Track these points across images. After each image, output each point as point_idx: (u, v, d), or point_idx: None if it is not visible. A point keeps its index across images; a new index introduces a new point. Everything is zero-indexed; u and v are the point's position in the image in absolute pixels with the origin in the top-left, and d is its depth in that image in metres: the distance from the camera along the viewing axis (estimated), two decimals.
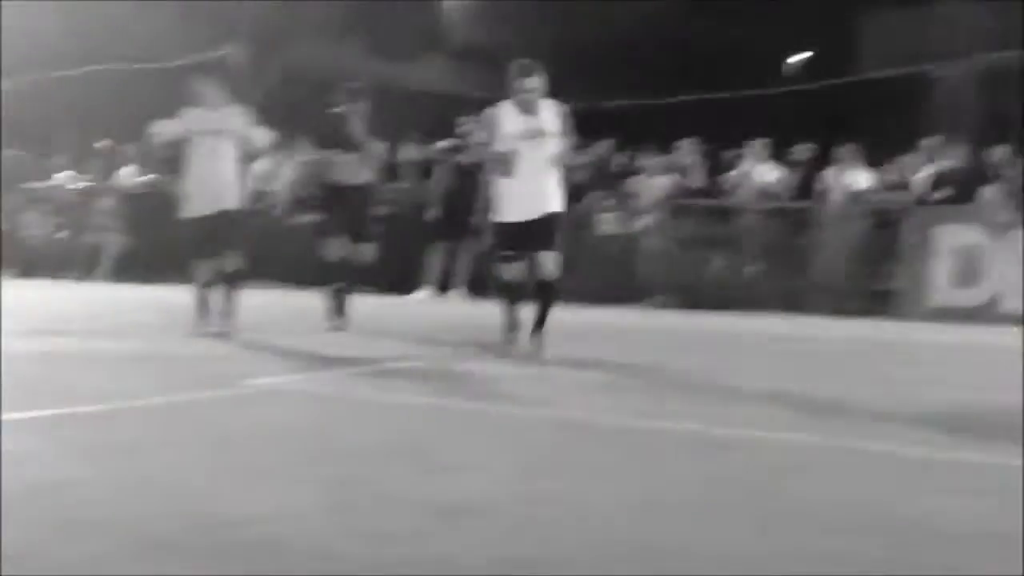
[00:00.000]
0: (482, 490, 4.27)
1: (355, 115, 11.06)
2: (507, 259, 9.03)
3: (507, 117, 8.87)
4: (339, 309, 11.08)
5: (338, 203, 11.02)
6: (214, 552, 3.40)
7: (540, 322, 8.90)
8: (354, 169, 11.07)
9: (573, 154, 9.46)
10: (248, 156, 10.18)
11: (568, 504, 4.10)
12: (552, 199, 8.94)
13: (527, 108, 8.82)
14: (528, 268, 9.03)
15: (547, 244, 8.85)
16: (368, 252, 11.23)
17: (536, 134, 8.78)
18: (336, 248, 11.11)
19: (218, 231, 9.85)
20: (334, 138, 11.04)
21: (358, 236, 11.11)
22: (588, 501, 4.15)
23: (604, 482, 4.50)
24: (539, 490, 4.32)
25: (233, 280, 10.00)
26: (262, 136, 10.29)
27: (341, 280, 11.13)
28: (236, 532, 3.59)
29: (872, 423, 6.21)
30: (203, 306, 9.96)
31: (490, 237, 9.59)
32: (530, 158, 8.78)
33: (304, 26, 23.91)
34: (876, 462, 5.10)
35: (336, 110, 11.13)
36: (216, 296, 9.96)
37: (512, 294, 9.13)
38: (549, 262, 8.85)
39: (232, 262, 9.95)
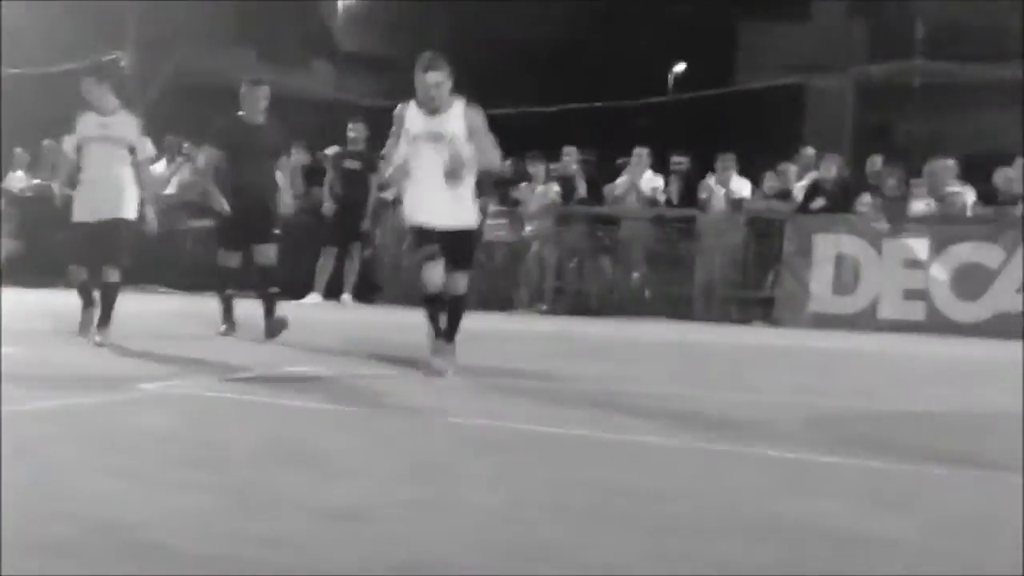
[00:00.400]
0: (371, 495, 4.29)
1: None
2: (427, 257, 8.16)
3: (411, 116, 8.20)
4: (231, 314, 10.96)
5: (237, 206, 10.80)
6: (106, 555, 3.40)
7: (448, 334, 8.31)
8: (256, 171, 10.86)
9: (475, 163, 8.29)
10: (137, 166, 9.93)
11: (456, 509, 4.14)
12: (461, 211, 8.29)
13: (431, 107, 8.12)
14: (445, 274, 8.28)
15: (456, 265, 8.23)
16: (270, 253, 10.88)
17: (438, 137, 8.09)
18: (230, 255, 10.97)
19: (108, 239, 9.68)
20: (239, 141, 10.84)
21: (261, 237, 10.82)
22: (476, 506, 4.19)
23: (493, 487, 4.54)
24: (427, 495, 4.34)
25: (112, 291, 9.76)
26: (146, 149, 10.09)
27: (235, 286, 11.00)
28: (128, 535, 3.59)
29: (757, 428, 6.34)
30: (88, 301, 9.85)
31: (410, 241, 8.88)
32: (432, 163, 8.11)
33: (194, 31, 23.72)
34: (762, 466, 5.19)
35: (241, 114, 10.98)
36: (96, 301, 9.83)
37: (433, 309, 8.36)
38: (458, 280, 8.24)
39: (114, 273, 9.75)
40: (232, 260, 11.00)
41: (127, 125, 9.84)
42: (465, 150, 8.11)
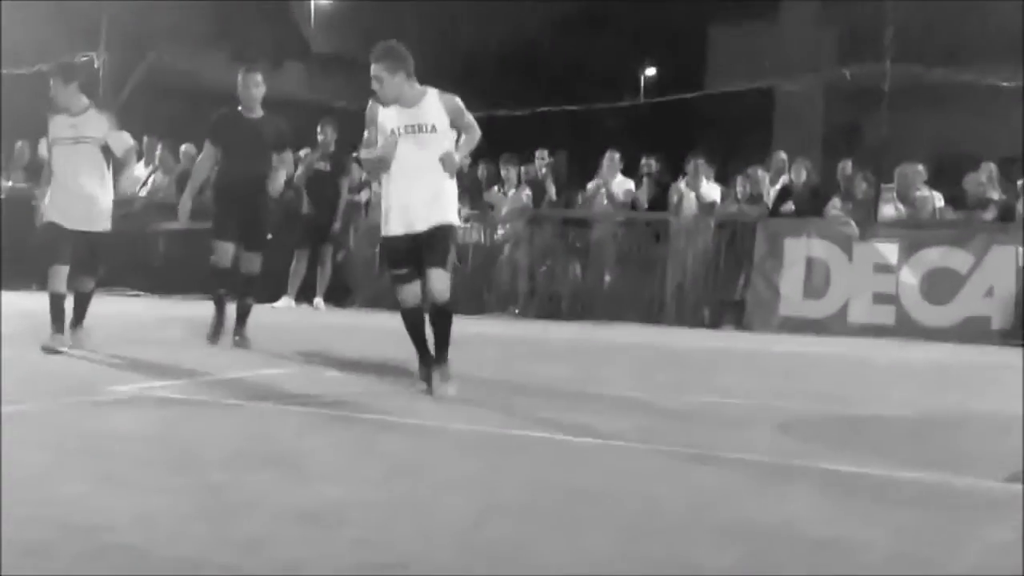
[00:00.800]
0: (341, 496, 4.33)
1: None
2: (398, 279, 7.73)
3: (384, 112, 7.64)
4: (229, 320, 10.55)
5: (232, 202, 10.46)
6: (81, 558, 3.43)
7: (439, 353, 7.64)
8: (253, 167, 10.48)
9: (465, 150, 7.90)
10: (114, 164, 9.71)
11: (425, 510, 4.17)
12: (441, 208, 7.61)
13: (385, 101, 7.58)
14: (423, 287, 7.74)
15: (435, 260, 7.54)
16: (256, 262, 10.56)
17: (417, 129, 7.55)
18: (224, 248, 10.50)
19: (84, 252, 9.48)
20: (236, 135, 10.53)
21: (249, 244, 10.50)
22: (444, 507, 4.22)
23: (461, 489, 4.58)
24: (397, 497, 4.39)
25: (87, 298, 9.65)
26: (122, 141, 9.67)
27: (228, 286, 10.63)
28: (102, 538, 3.61)
29: (727, 431, 6.39)
30: (59, 318, 9.48)
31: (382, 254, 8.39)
32: (410, 159, 7.55)
33: (168, 32, 23.64)
34: (732, 470, 5.23)
35: (239, 108, 10.63)
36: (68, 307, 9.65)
37: (412, 320, 7.77)
38: (438, 281, 7.53)
39: (90, 283, 9.62)
40: (226, 256, 10.49)
41: (97, 123, 9.54)
42: (452, 150, 7.63)
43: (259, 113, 10.66)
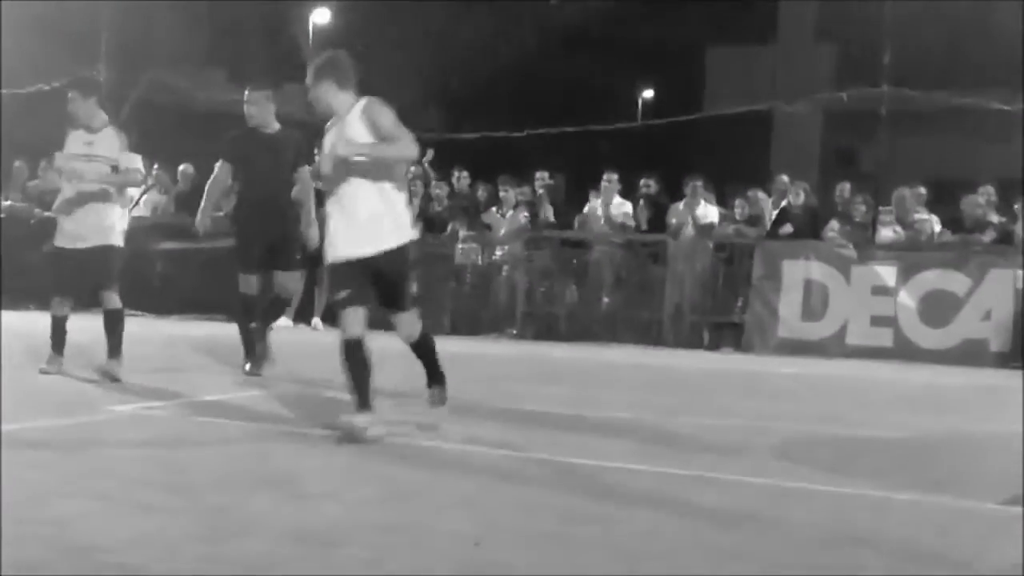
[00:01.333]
0: (339, 518, 4.33)
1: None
2: (340, 303, 6.65)
3: (330, 129, 6.89)
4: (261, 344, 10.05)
5: (256, 225, 9.99)
6: None
7: (432, 376, 7.22)
8: (273, 185, 10.00)
9: (384, 149, 6.66)
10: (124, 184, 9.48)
11: (425, 533, 4.17)
12: (388, 228, 6.71)
13: (322, 110, 6.91)
14: (368, 316, 6.66)
15: (396, 303, 6.90)
16: (291, 283, 10.31)
17: (341, 146, 6.58)
18: (250, 279, 10.00)
19: (97, 266, 9.20)
20: (252, 153, 10.02)
21: (282, 264, 10.05)
22: (445, 530, 4.22)
23: (457, 510, 4.57)
24: (394, 518, 4.39)
25: (116, 318, 9.26)
26: (133, 163, 9.36)
27: (258, 317, 10.11)
28: (101, 558, 3.62)
29: (726, 453, 6.39)
30: (59, 341, 9.33)
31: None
32: (344, 175, 6.66)
33: (166, 53, 23.68)
34: (730, 491, 5.24)
35: (253, 125, 10.12)
36: (61, 330, 9.32)
37: (355, 359, 6.62)
38: (406, 326, 6.96)
39: (113, 298, 9.25)
40: (252, 285, 10.01)
41: (111, 143, 9.24)
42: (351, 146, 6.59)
43: (275, 127, 10.17)
